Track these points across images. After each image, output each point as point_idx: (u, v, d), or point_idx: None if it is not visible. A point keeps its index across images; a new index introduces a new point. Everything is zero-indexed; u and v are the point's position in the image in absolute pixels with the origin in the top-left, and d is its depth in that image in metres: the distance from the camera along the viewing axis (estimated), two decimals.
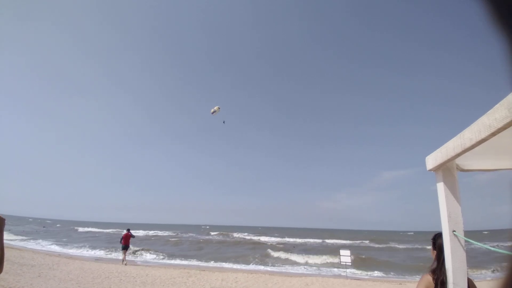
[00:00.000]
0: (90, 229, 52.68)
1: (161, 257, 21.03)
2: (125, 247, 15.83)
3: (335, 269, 17.05)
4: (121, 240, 15.99)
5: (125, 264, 14.97)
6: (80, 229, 50.64)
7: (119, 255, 18.57)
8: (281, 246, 32.22)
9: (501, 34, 0.61)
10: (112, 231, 46.71)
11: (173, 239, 36.87)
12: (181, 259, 19.98)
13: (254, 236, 47.48)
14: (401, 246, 34.09)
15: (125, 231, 16.32)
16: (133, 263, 16.66)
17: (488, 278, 13.60)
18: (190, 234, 48.12)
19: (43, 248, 22.21)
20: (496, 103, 1.12)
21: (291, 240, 40.80)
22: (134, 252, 21.57)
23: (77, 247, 24.40)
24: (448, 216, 1.71)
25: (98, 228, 54.16)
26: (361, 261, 20.22)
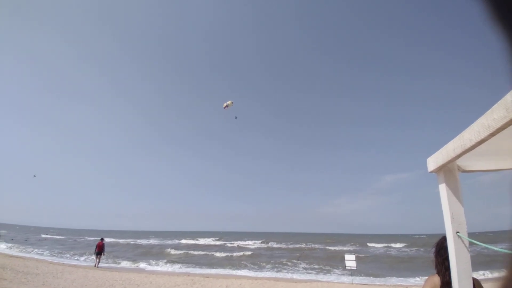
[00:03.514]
0: (86, 238, 52.57)
1: (165, 265, 20.91)
2: (99, 253, 18.30)
3: (340, 274, 16.83)
4: (95, 248, 18.45)
5: (97, 267, 17.42)
6: (78, 238, 50.52)
7: (118, 262, 21.42)
8: (284, 251, 31.97)
9: (501, 34, 0.62)
10: (108, 240, 46.44)
11: (173, 247, 36.70)
12: (186, 266, 19.85)
13: (256, 242, 47.17)
14: (405, 249, 33.71)
15: (99, 240, 18.94)
16: (137, 271, 16.65)
17: (490, 280, 13.35)
18: (191, 242, 47.86)
19: (45, 258, 22.20)
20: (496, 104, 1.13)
21: (294, 246, 40.43)
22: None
23: (78, 255, 24.36)
24: (451, 217, 1.70)
25: (90, 237, 53.44)
26: (366, 266, 19.98)
